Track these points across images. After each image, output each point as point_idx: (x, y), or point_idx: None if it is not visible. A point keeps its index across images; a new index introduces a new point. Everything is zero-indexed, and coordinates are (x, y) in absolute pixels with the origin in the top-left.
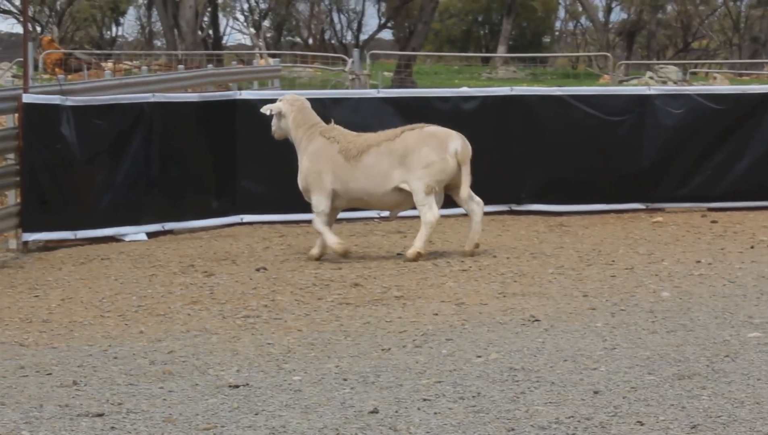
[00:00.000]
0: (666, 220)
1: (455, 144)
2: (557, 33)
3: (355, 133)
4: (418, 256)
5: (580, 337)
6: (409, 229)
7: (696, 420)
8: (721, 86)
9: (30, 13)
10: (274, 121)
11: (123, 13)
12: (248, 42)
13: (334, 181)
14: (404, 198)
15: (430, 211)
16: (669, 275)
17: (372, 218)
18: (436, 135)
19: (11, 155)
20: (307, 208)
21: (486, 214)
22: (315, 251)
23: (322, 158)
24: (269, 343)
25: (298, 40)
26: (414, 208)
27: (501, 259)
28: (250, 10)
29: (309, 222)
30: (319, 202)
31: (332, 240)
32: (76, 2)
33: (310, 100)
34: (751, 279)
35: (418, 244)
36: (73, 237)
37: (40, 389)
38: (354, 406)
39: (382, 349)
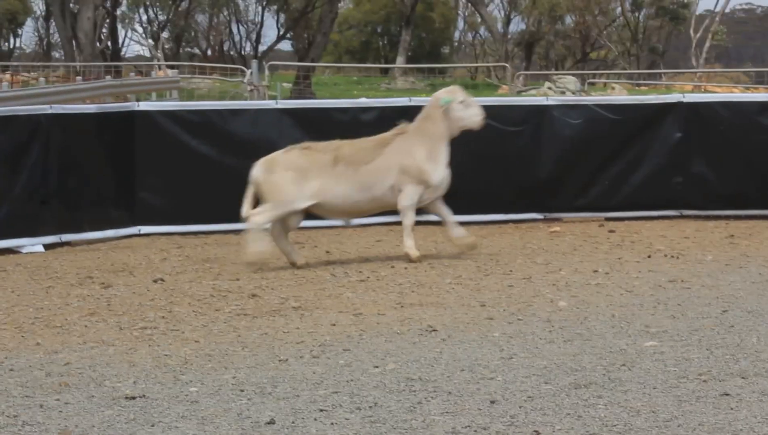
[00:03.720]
0: (564, 229)
1: None
2: (456, 43)
3: None
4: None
5: (477, 346)
6: (307, 239)
7: (592, 429)
8: (619, 96)
9: None
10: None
11: (21, 25)
12: (147, 53)
13: None
14: None
15: None
16: (566, 285)
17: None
18: None
19: None
20: (203, 219)
21: (384, 224)
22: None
23: None
24: (166, 355)
25: (196, 51)
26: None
27: (399, 269)
28: (149, 21)
29: (206, 233)
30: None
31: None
32: None
33: (208, 111)
34: (648, 288)
35: None
36: None
37: None
38: (251, 417)
39: (280, 360)
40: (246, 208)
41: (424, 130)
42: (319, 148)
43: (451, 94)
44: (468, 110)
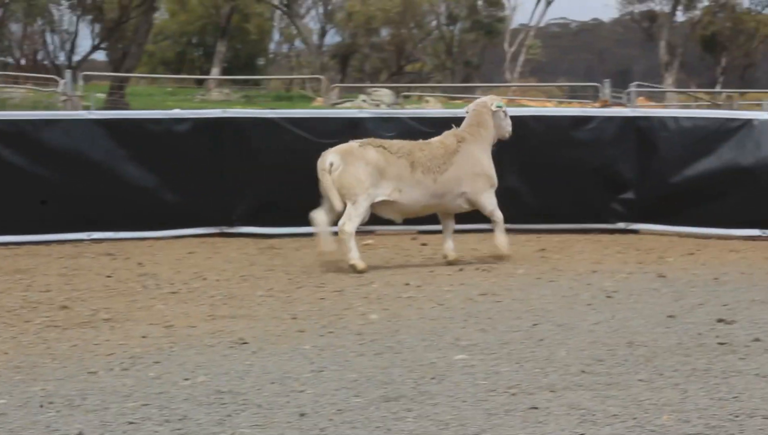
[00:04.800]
0: (377, 242)
1: None
2: (272, 55)
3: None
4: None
5: (288, 359)
6: (119, 250)
7: None
8: (434, 109)
9: None
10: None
11: None
12: None
13: None
14: None
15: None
16: (378, 298)
17: (82, 240)
18: None
19: None
20: (14, 230)
21: (196, 236)
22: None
23: None
24: None
25: (10, 60)
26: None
27: (211, 281)
28: None
29: (17, 244)
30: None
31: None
32: None
33: (20, 121)
34: (459, 301)
35: None
36: None
37: None
38: (59, 429)
39: (89, 372)
40: (338, 202)
41: (480, 135)
42: (393, 151)
43: (497, 100)
44: (506, 120)
